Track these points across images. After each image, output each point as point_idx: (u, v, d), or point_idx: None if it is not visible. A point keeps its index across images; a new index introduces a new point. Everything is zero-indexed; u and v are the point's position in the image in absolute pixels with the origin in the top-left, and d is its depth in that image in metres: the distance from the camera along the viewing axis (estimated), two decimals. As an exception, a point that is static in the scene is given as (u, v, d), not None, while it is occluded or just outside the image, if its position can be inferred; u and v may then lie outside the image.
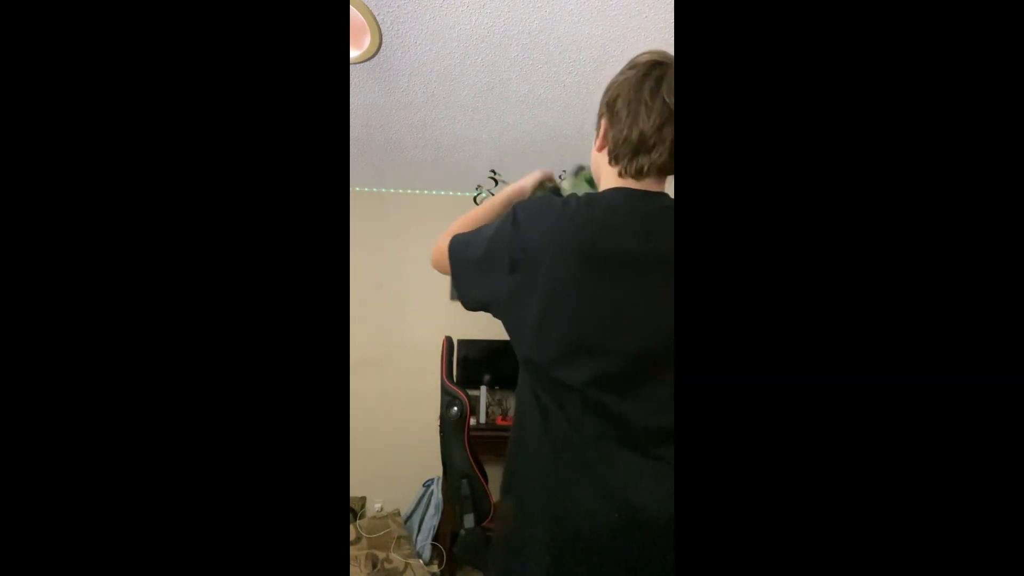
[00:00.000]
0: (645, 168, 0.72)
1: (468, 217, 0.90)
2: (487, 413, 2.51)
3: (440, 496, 2.43)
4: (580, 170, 1.08)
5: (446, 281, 2.90)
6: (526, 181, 0.99)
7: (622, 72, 0.76)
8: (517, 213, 0.72)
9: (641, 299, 0.66)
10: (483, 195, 2.88)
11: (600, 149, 0.80)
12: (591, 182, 1.02)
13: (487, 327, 2.80)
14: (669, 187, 0.74)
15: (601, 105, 0.79)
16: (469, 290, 0.77)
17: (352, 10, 1.51)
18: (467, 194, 2.94)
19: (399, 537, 2.20)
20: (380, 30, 1.63)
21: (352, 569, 1.98)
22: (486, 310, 0.77)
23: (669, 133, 0.70)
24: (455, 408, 1.94)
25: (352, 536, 2.13)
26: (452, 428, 1.94)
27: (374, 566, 2.03)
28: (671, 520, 0.58)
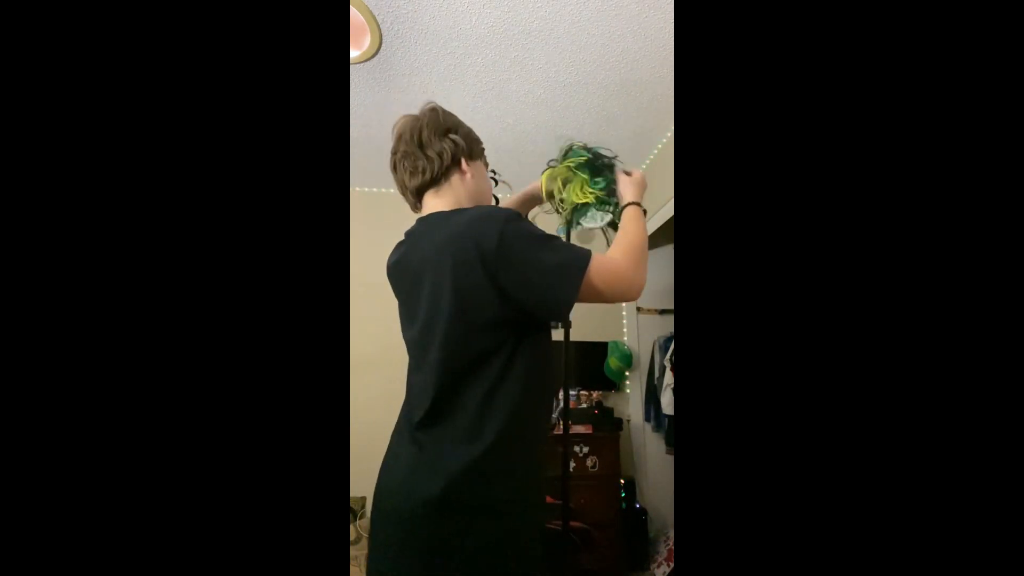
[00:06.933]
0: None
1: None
2: (487, 413, 2.50)
3: (440, 496, 2.42)
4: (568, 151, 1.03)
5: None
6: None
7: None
8: None
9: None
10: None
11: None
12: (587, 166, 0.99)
13: (487, 327, 2.79)
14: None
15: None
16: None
17: (352, 10, 1.51)
18: (467, 194, 2.94)
19: (399, 537, 2.19)
20: (380, 30, 1.63)
21: (352, 569, 1.98)
22: None
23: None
24: (455, 408, 1.93)
25: (352, 536, 2.13)
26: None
27: (374, 566, 2.02)
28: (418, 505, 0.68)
